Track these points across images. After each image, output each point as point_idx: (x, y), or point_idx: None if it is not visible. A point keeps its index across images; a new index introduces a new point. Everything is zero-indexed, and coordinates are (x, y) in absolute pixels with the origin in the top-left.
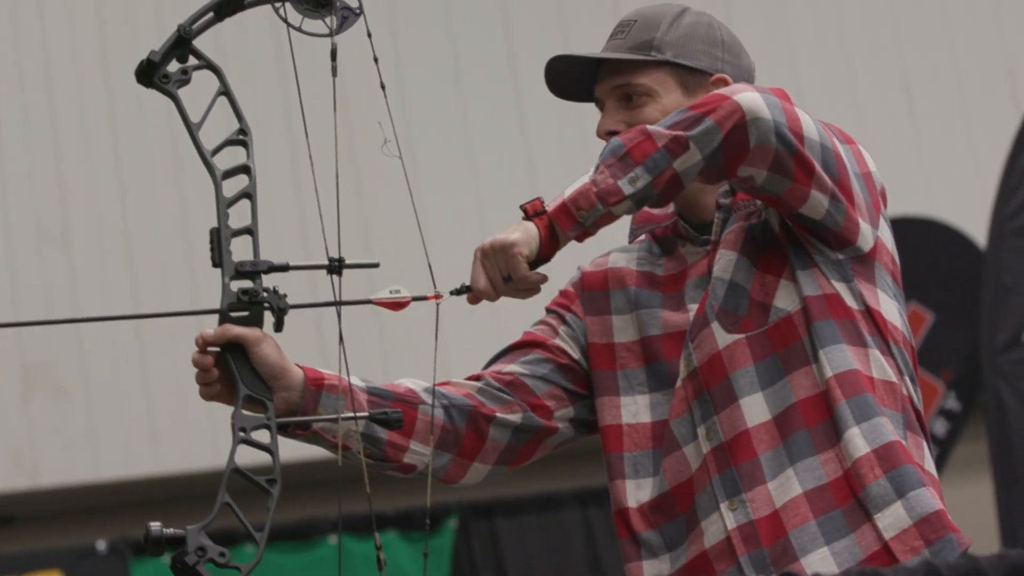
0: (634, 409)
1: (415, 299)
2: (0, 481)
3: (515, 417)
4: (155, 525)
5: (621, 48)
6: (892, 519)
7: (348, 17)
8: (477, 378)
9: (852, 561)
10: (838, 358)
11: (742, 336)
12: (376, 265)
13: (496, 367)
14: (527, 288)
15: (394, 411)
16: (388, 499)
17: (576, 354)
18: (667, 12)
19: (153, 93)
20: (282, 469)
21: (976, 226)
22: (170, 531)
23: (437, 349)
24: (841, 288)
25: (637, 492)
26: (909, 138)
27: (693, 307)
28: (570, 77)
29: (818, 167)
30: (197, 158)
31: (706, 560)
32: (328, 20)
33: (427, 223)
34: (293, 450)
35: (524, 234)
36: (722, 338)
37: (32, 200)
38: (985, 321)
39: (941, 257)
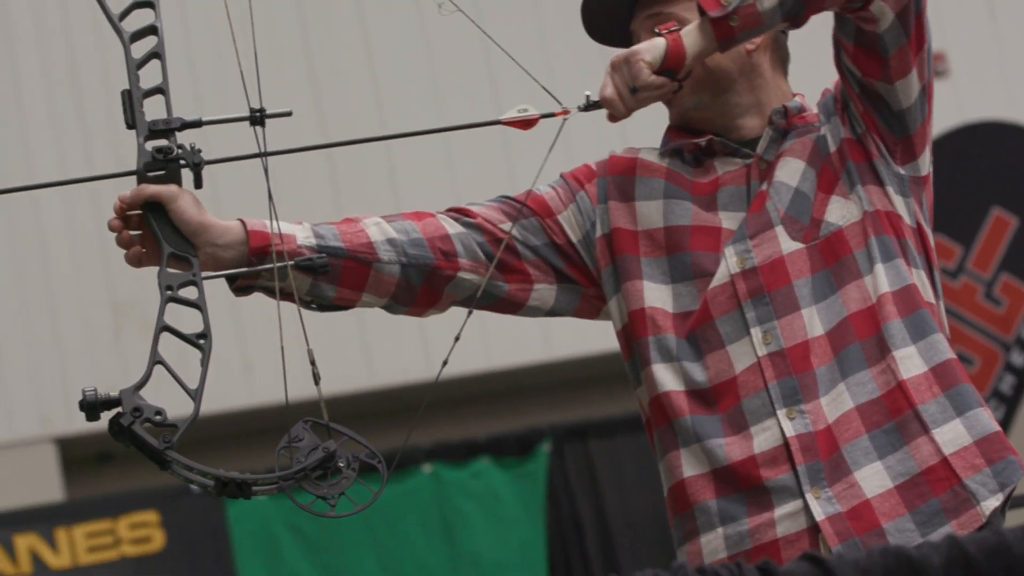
0: (656, 294)
1: (543, 116)
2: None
3: (476, 278)
4: (89, 390)
5: None
6: (952, 435)
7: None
8: (465, 216)
9: (906, 475)
10: (894, 274)
11: (804, 246)
12: (289, 113)
13: (493, 215)
14: (653, 96)
15: (319, 258)
16: (481, 424)
17: (575, 236)
18: None
19: None
20: (365, 396)
21: None
22: (104, 395)
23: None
24: (899, 203)
25: (667, 376)
26: (990, 42)
27: (726, 214)
28: (607, 19)
29: (926, 47)
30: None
31: (753, 464)
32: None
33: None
34: (382, 377)
35: (649, 43)
36: (786, 244)
37: None
38: None
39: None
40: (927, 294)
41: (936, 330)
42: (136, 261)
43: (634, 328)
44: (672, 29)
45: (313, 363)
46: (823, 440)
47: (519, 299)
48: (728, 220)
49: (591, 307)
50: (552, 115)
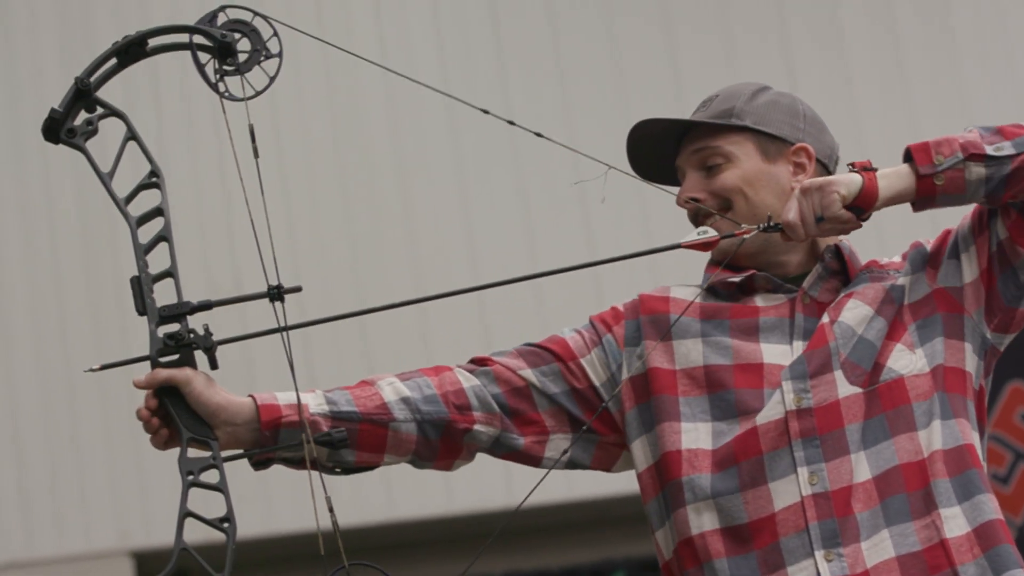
0: (695, 436)
1: (724, 237)
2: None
3: (492, 431)
4: None
5: (702, 118)
6: None
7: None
8: (483, 365)
9: None
10: (948, 432)
11: (861, 391)
12: (300, 289)
13: (512, 363)
14: (836, 228)
15: (338, 431)
16: (554, 555)
17: (598, 380)
18: (749, 86)
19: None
20: (444, 521)
21: None
22: None
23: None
24: (972, 363)
25: (701, 517)
26: None
27: (768, 345)
28: (653, 155)
29: None
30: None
31: None
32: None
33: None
34: (461, 504)
35: (846, 177)
36: (843, 388)
37: None
38: None
39: None
40: (979, 457)
41: (984, 491)
42: (163, 445)
43: (668, 469)
44: (868, 168)
45: (331, 510)
46: None
47: (536, 452)
48: (770, 351)
49: (608, 456)
50: (732, 235)
